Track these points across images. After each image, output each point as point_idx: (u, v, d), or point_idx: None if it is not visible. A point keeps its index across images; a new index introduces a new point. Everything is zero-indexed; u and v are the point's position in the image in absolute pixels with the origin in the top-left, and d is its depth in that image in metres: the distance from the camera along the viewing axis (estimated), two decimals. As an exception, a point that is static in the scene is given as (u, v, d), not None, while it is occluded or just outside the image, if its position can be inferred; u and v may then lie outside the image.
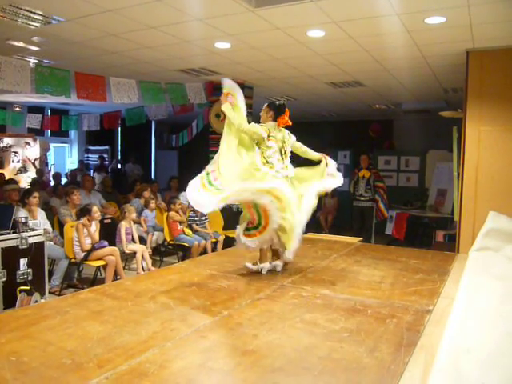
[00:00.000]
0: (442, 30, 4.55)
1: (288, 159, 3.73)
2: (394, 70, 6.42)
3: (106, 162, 13.26)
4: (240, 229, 3.59)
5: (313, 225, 8.95)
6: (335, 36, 4.84)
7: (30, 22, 4.60)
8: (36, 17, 4.43)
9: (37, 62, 6.13)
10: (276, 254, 3.77)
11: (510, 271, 3.51)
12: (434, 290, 3.31)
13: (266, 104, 3.75)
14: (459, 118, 5.68)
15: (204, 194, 3.33)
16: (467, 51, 5.16)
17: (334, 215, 10.04)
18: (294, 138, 3.83)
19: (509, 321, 2.45)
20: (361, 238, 5.61)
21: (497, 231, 4.16)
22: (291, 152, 3.81)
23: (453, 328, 2.38)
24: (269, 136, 3.57)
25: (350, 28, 4.59)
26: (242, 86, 7.62)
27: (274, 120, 3.66)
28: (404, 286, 3.39)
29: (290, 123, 3.72)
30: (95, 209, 5.60)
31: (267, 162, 3.54)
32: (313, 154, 3.95)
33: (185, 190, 3.58)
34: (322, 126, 12.28)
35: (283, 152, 3.66)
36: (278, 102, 3.75)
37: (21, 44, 5.40)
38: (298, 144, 3.87)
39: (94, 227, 5.60)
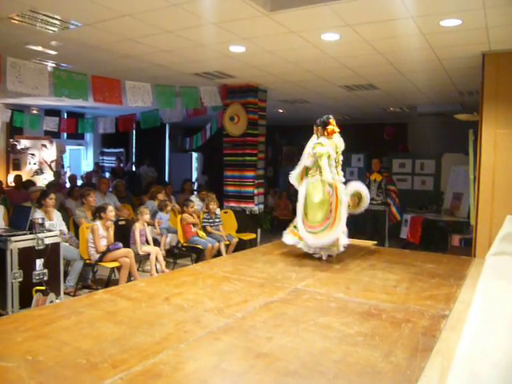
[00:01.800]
0: (458, 33, 4.51)
1: (340, 166, 4.30)
2: (409, 73, 6.38)
3: (121, 165, 13.38)
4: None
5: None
6: (350, 39, 4.82)
7: (48, 27, 4.67)
8: (54, 22, 4.50)
9: (54, 65, 6.22)
10: None
11: (528, 276, 3.46)
12: (450, 294, 3.27)
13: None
14: (475, 120, 5.62)
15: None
16: (483, 54, 5.11)
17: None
18: (342, 146, 4.33)
19: (527, 326, 2.41)
20: (375, 242, 5.57)
21: (514, 236, 4.10)
22: None
23: (469, 333, 2.34)
24: None
25: (365, 31, 4.58)
26: (256, 89, 7.64)
27: (323, 134, 4.23)
28: (419, 291, 3.36)
29: (338, 130, 4.28)
30: (110, 208, 5.67)
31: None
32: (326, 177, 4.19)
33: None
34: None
35: (337, 160, 4.26)
36: (320, 120, 4.29)
37: (39, 48, 5.48)
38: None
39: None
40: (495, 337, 2.31)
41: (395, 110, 10.10)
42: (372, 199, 7.66)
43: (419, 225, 8.05)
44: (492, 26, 4.29)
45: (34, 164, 10.88)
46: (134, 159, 14.61)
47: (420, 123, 11.34)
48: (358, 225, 9.56)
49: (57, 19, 4.42)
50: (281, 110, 10.64)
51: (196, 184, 11.91)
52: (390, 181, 8.05)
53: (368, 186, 7.91)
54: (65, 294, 5.15)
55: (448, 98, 8.27)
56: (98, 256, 5.45)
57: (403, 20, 4.18)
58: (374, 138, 11.72)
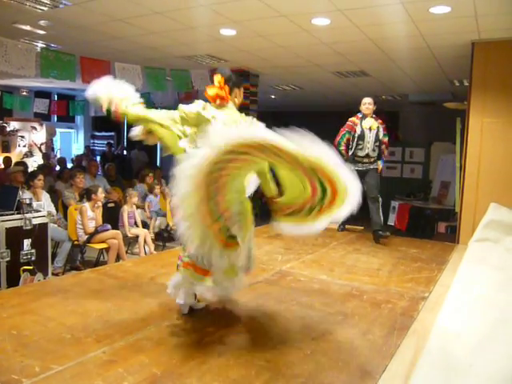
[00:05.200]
0: (447, 20, 4.52)
1: None
2: (400, 60, 6.39)
3: (113, 148, 13.29)
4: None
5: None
6: (340, 24, 4.81)
7: (37, 6, 4.61)
8: (44, 0, 4.44)
9: (43, 46, 6.15)
10: None
11: (508, 262, 3.54)
12: (431, 278, 3.35)
13: None
14: (464, 109, 5.66)
15: None
16: (472, 42, 5.13)
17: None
18: None
19: (503, 308, 2.48)
20: (362, 227, 5.62)
21: (497, 223, 4.19)
22: None
23: (446, 313, 2.41)
24: None
25: (355, 16, 4.57)
26: (248, 73, 7.62)
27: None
28: (401, 274, 3.43)
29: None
30: (101, 189, 5.68)
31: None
32: None
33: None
34: (328, 115, 12.22)
35: None
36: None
37: (28, 28, 5.41)
38: None
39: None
40: (470, 317, 2.39)
41: (387, 98, 10.12)
42: (366, 156, 5.38)
43: (406, 212, 8.12)
44: (481, 14, 4.30)
45: (24, 146, 10.80)
46: (125, 143, 14.51)
47: (411, 112, 11.37)
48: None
49: (46, -3, 4.38)
50: (273, 96, 10.62)
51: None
52: (385, 130, 5.71)
53: (360, 138, 5.43)
54: (53, 274, 5.16)
55: (439, 86, 8.30)
56: (86, 237, 5.47)
57: (393, 6, 4.18)
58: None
